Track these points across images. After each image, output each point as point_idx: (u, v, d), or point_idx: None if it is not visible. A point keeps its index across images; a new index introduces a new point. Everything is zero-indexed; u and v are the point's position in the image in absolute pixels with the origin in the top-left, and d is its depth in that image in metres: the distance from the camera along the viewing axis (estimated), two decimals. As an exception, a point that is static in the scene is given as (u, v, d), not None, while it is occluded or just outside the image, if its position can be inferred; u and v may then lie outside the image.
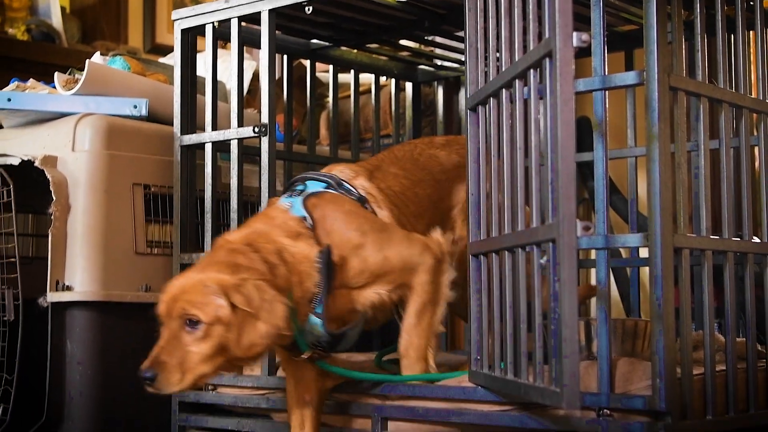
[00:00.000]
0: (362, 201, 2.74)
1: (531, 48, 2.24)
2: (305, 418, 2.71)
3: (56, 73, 3.59)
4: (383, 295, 2.67)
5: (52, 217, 3.24)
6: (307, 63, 3.77)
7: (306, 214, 2.62)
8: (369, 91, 4.02)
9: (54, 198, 3.24)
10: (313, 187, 2.73)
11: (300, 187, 2.75)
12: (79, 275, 3.23)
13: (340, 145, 3.87)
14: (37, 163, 3.28)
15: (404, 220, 2.82)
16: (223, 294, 2.35)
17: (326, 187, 2.73)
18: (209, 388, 3.14)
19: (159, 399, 3.19)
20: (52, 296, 3.20)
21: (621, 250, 3.63)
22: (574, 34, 2.04)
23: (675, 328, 2.31)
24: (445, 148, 3.06)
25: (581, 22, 2.07)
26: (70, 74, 3.61)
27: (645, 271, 3.51)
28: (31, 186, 3.34)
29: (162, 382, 2.34)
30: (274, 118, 3.11)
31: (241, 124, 3.15)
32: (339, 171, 2.82)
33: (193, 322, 2.35)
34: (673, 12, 2.46)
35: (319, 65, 3.84)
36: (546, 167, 2.13)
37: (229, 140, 3.17)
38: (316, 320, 2.58)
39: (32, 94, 3.50)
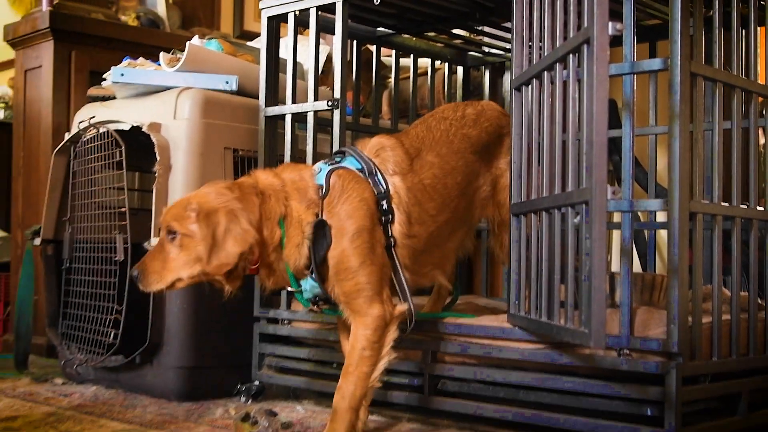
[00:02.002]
0: (383, 197, 2.56)
1: (571, 36, 2.21)
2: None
3: (161, 53, 3.60)
4: (336, 294, 2.52)
5: (156, 174, 3.26)
6: (373, 48, 3.75)
7: (323, 184, 2.50)
8: (425, 73, 4.00)
9: (158, 159, 3.25)
10: (350, 163, 2.60)
11: (338, 159, 2.63)
12: (177, 224, 3.24)
13: (400, 120, 3.84)
14: (144, 129, 3.30)
15: (424, 216, 2.65)
16: (195, 214, 2.35)
17: (359, 170, 2.58)
18: (285, 322, 3.15)
19: (244, 330, 3.24)
20: (155, 241, 3.22)
21: (640, 214, 3.58)
22: (610, 23, 2.03)
23: (688, 282, 2.29)
24: (476, 127, 2.86)
25: (612, 17, 2.04)
26: (172, 54, 3.62)
27: (660, 234, 3.48)
28: (139, 148, 3.37)
29: (144, 282, 2.39)
30: (344, 94, 3.10)
31: (316, 98, 3.14)
32: (383, 161, 2.63)
33: (172, 233, 2.37)
34: (695, 8, 2.43)
35: (383, 50, 3.82)
36: (581, 140, 2.11)
37: (306, 112, 3.17)
38: (313, 282, 2.49)
39: (141, 70, 3.51)
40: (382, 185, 2.58)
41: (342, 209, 2.49)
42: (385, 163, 2.63)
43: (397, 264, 2.60)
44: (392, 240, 2.58)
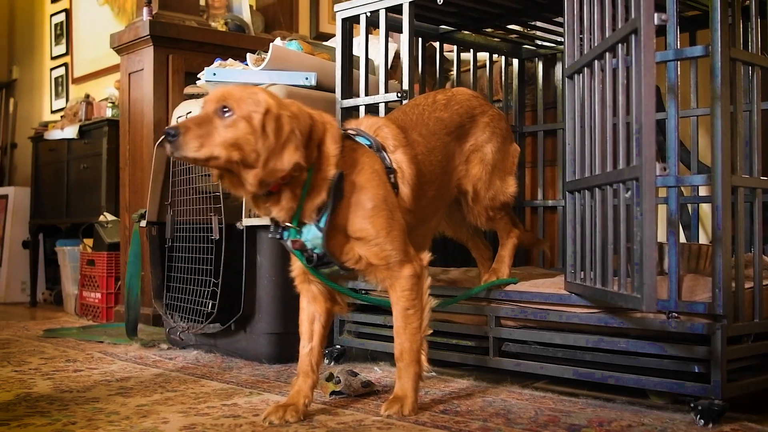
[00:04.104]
0: (391, 171, 2.39)
1: (619, 27, 2.17)
2: (314, 331, 2.50)
3: (248, 54, 3.62)
4: (363, 261, 2.32)
5: (246, 162, 3.27)
6: (436, 44, 3.73)
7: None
8: (484, 66, 3.96)
9: (247, 148, 3.27)
10: (360, 140, 2.42)
11: (351, 132, 2.44)
12: (265, 206, 3.26)
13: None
14: (234, 122, 3.32)
15: (420, 192, 2.49)
16: (264, 109, 2.11)
17: (369, 145, 2.41)
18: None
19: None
20: (246, 221, 3.25)
21: (683, 189, 3.50)
22: (655, 14, 1.98)
23: (731, 250, 2.24)
24: (447, 110, 2.71)
25: (657, 9, 1.99)
26: (258, 55, 3.63)
27: (703, 207, 3.40)
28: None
29: (179, 144, 2.06)
30: (412, 86, 3.09)
31: (386, 91, 3.13)
32: (383, 138, 2.45)
33: (226, 111, 2.10)
34: (734, -1, 2.36)
35: (446, 46, 3.80)
36: (630, 122, 2.06)
37: (378, 103, 3.16)
38: (317, 233, 2.26)
39: (231, 70, 3.54)
40: (387, 162, 2.42)
41: (358, 178, 2.30)
42: (385, 140, 2.46)
43: None
44: None
